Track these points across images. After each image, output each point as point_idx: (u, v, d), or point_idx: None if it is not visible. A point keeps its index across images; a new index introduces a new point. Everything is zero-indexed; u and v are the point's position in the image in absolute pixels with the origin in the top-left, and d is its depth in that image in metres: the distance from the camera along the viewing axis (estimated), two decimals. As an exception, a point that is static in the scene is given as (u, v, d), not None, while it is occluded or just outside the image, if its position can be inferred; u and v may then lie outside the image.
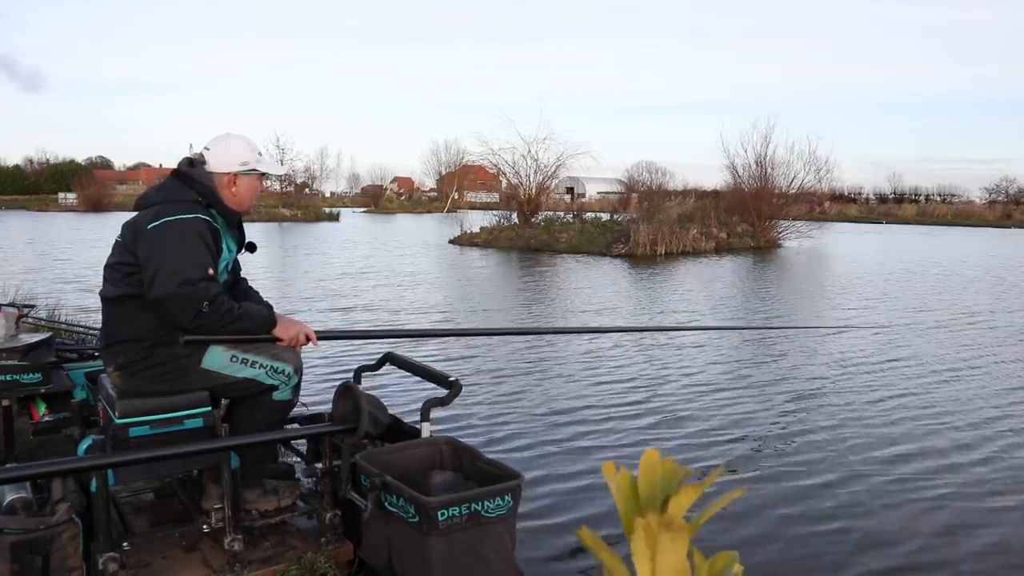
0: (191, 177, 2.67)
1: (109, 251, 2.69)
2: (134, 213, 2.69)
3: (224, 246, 2.70)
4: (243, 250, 2.90)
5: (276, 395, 2.74)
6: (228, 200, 2.72)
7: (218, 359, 2.63)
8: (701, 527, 0.54)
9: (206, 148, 2.77)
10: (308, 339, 2.77)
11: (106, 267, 2.66)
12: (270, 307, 2.94)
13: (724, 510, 0.55)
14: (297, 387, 2.83)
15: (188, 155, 2.79)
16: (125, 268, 2.59)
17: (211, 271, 2.52)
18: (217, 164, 2.72)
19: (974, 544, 3.63)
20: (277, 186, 48.34)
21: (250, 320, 2.61)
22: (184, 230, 2.52)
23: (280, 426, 2.86)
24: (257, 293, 3.05)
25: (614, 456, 4.74)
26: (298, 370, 2.78)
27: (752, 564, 3.34)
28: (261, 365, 2.68)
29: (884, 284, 14.51)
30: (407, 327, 9.13)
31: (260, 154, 2.81)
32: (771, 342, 8.47)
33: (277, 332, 2.67)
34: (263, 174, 2.84)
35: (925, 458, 4.76)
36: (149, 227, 2.53)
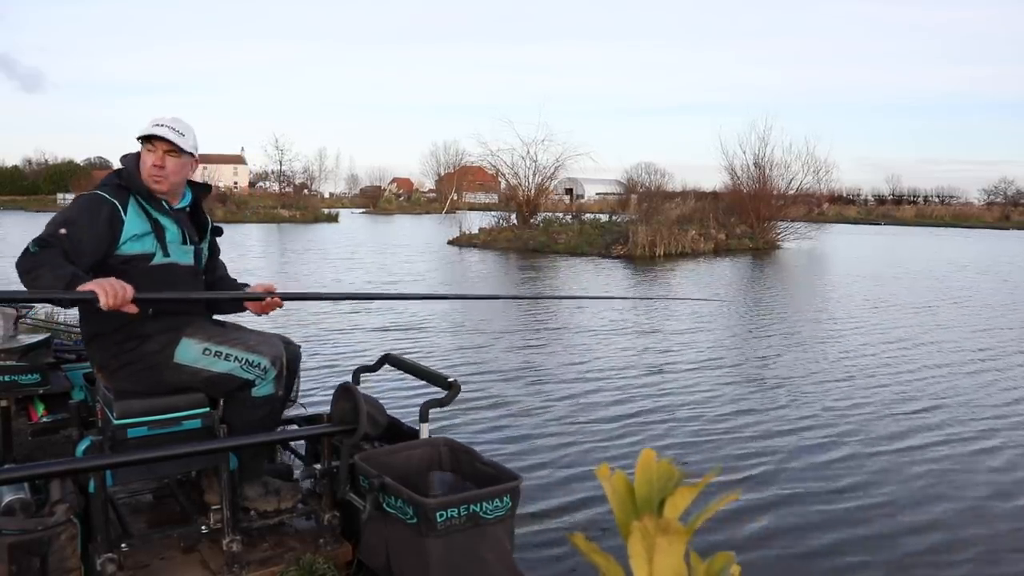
0: (123, 163, 2.74)
1: None
2: None
3: (146, 220, 2.63)
4: (209, 235, 2.89)
5: (255, 391, 2.69)
6: (144, 176, 2.68)
7: (190, 352, 2.60)
8: (696, 529, 0.54)
9: None
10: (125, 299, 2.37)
11: None
12: (247, 286, 2.92)
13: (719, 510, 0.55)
14: (279, 379, 2.74)
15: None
16: None
17: (63, 231, 2.41)
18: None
19: (974, 546, 3.64)
20: (276, 187, 48.39)
21: (52, 269, 2.31)
22: (78, 201, 2.59)
23: (269, 421, 2.81)
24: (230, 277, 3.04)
25: (614, 457, 4.74)
26: (275, 362, 2.70)
27: (747, 564, 3.34)
28: (236, 358, 2.63)
29: (884, 281, 14.53)
30: (403, 326, 9.12)
31: (159, 126, 2.69)
32: (771, 341, 8.48)
33: (91, 287, 2.26)
34: (149, 138, 2.68)
35: (924, 458, 4.77)
36: None
